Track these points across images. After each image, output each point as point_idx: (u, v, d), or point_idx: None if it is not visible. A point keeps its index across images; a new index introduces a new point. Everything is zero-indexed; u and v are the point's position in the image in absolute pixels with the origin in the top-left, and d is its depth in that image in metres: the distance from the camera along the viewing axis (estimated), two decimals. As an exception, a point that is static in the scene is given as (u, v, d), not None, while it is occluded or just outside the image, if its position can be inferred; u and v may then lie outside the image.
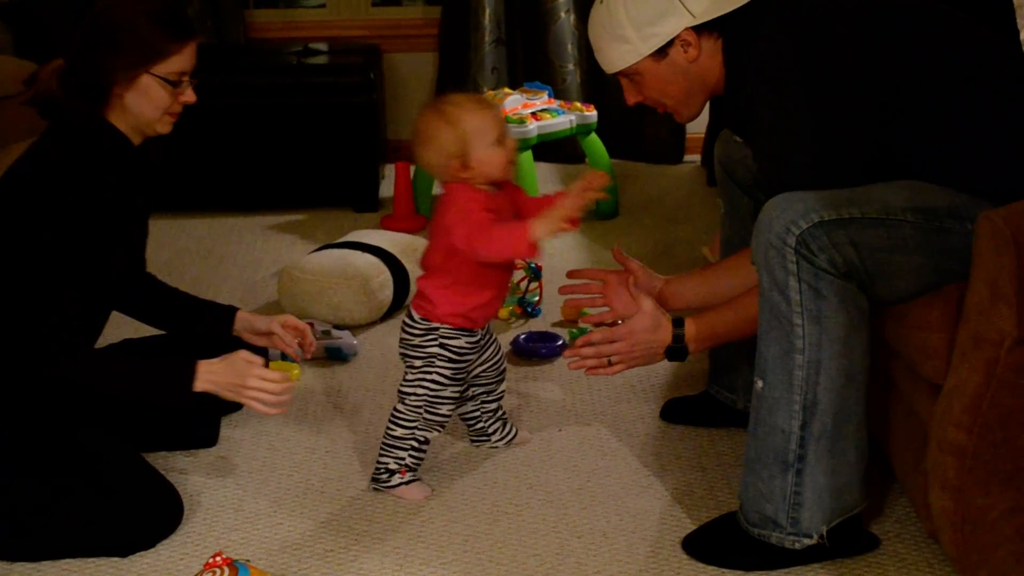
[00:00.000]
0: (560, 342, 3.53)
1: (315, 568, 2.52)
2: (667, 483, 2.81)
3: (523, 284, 3.81)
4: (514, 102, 4.59)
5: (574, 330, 3.62)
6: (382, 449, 2.80)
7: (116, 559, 2.55)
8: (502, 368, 2.90)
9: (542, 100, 4.70)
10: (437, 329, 2.73)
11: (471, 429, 2.99)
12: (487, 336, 2.84)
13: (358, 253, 3.81)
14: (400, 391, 2.78)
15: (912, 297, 2.37)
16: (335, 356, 3.50)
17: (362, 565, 2.53)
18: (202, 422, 3.05)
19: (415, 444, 2.78)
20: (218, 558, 2.32)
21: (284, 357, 3.43)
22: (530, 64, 5.45)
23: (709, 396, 3.08)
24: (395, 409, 2.78)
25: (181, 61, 2.64)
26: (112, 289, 2.81)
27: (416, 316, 2.75)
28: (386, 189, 5.03)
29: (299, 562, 2.54)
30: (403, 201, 4.68)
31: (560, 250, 4.30)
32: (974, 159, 2.35)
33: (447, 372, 2.74)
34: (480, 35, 5.33)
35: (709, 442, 2.99)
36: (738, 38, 2.51)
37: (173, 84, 2.65)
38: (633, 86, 2.64)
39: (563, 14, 5.32)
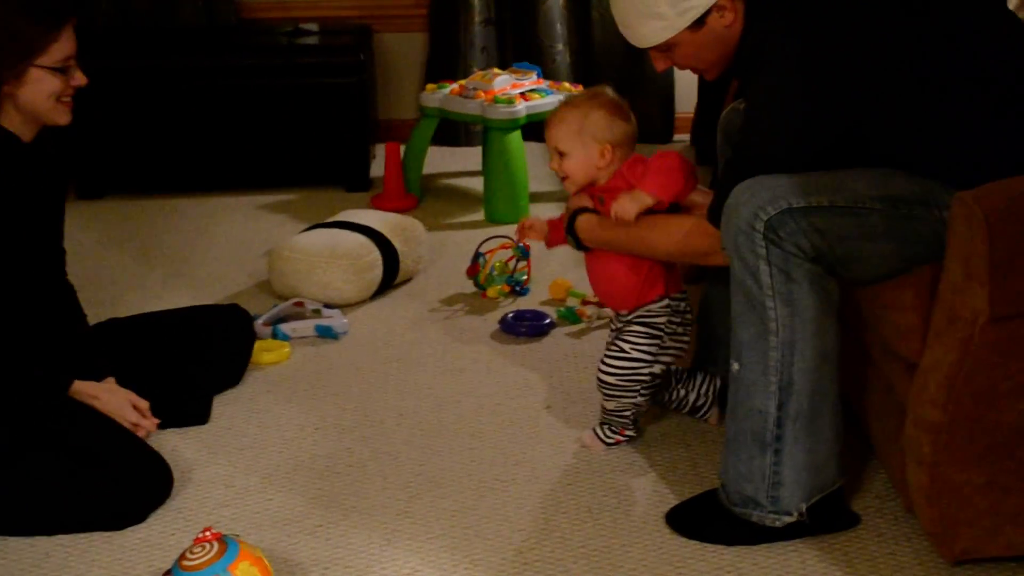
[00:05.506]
0: (548, 320, 3.56)
1: (304, 543, 2.55)
2: (652, 460, 2.84)
3: (511, 263, 3.83)
4: (503, 82, 4.60)
5: (562, 309, 3.65)
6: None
7: (108, 533, 2.59)
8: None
9: (531, 80, 4.71)
10: None
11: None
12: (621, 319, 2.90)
13: (348, 232, 3.83)
14: None
15: (881, 280, 2.41)
16: (325, 335, 3.52)
17: (350, 540, 2.56)
18: (194, 399, 3.09)
19: None
20: (208, 533, 2.33)
21: (276, 335, 3.46)
22: (520, 44, 5.45)
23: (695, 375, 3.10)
24: None
25: (62, 47, 2.68)
26: (23, 287, 2.81)
27: None
28: (377, 169, 5.04)
29: (288, 537, 2.57)
30: (393, 181, 4.69)
31: (549, 229, 4.32)
32: (946, 147, 2.37)
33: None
34: (470, 15, 5.34)
35: (693, 419, 3.02)
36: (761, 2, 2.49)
37: (61, 71, 2.69)
38: (664, 56, 2.62)
39: (553, -6, 5.34)
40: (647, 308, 2.81)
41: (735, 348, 2.43)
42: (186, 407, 3.05)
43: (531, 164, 4.69)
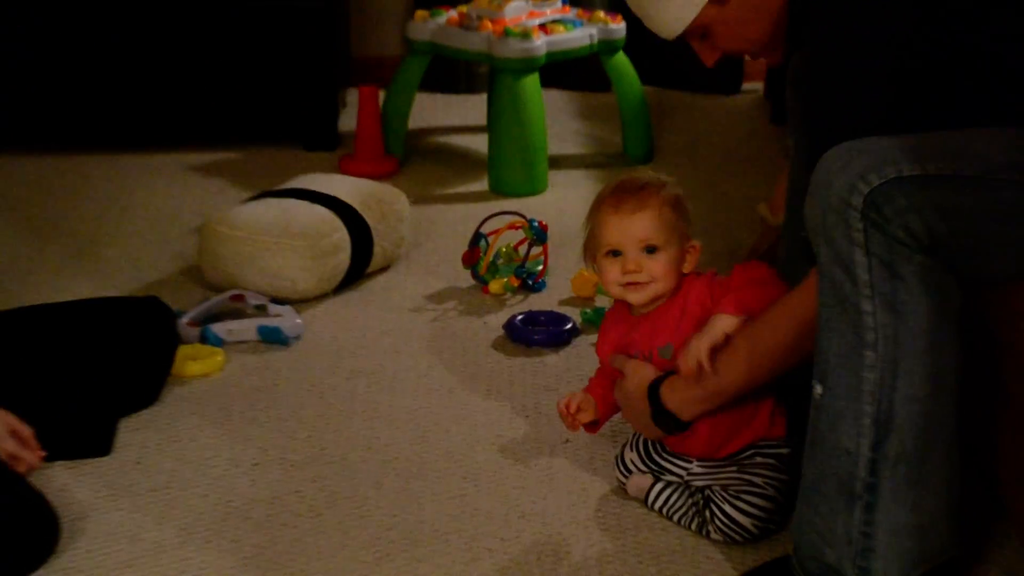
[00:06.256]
0: (569, 325, 3.55)
1: (233, 618, 2.54)
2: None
3: (522, 249, 3.81)
4: (517, 9, 4.60)
5: (587, 311, 3.64)
6: None
7: (-28, 601, 2.57)
8: None
9: (553, 8, 4.73)
10: None
11: None
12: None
13: (306, 204, 3.83)
14: None
15: (1014, 279, 2.37)
16: (271, 339, 3.51)
17: (296, 615, 2.54)
18: (93, 423, 3.08)
19: None
20: (104, 602, 2.33)
21: (206, 338, 3.44)
22: (540, -40, 5.44)
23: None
24: None
25: None
26: None
27: None
28: (347, 121, 5.06)
29: (212, 610, 2.55)
30: (368, 137, 4.71)
31: (573, 205, 4.29)
32: None
33: None
34: (473, -81, 5.33)
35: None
36: None
37: None
38: (706, 45, 2.72)
39: None
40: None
41: (819, 364, 2.39)
42: (82, 433, 3.04)
43: (551, 118, 4.69)
